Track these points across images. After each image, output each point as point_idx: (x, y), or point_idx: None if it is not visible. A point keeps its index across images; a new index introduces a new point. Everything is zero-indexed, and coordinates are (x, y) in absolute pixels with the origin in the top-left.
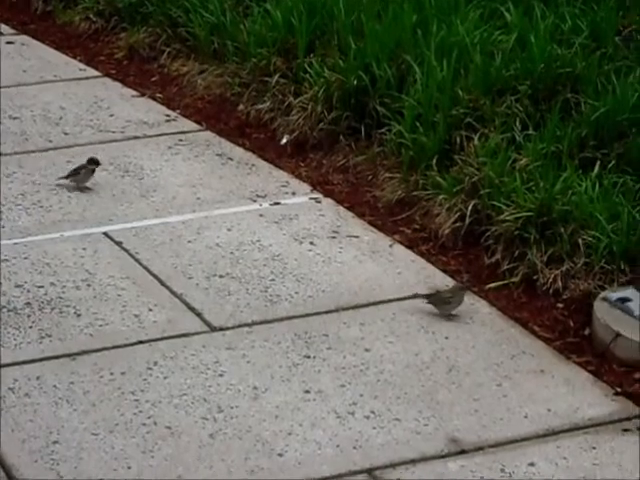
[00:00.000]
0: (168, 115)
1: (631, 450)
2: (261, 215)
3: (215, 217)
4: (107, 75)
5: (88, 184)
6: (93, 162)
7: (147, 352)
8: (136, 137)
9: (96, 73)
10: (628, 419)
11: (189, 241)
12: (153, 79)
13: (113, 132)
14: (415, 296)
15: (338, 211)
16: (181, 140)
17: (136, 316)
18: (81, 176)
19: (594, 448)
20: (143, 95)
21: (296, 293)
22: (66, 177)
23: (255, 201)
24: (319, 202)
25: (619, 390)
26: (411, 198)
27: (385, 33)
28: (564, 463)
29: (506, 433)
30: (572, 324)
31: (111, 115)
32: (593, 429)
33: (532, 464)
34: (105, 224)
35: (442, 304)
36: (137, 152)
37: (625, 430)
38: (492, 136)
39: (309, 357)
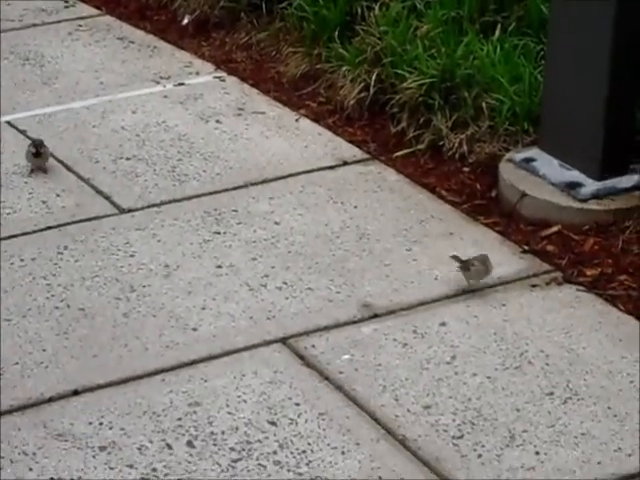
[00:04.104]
0: (66, 1)
1: (539, 305)
2: (165, 96)
3: (119, 101)
4: None
5: None
6: None
7: (57, 237)
8: (35, 25)
9: None
10: (536, 275)
11: (94, 126)
12: None
13: (12, 21)
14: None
15: (243, 89)
16: (81, 26)
17: (44, 202)
18: None
19: (504, 305)
20: None
21: (204, 171)
22: None
23: (159, 83)
24: (223, 81)
25: (526, 248)
26: (315, 72)
27: None
28: (475, 321)
29: (417, 295)
30: (479, 187)
31: (8, 4)
32: (502, 287)
33: (443, 324)
34: (8, 113)
35: (465, 271)
36: (37, 40)
37: (533, 286)
38: (393, 5)
39: (219, 233)
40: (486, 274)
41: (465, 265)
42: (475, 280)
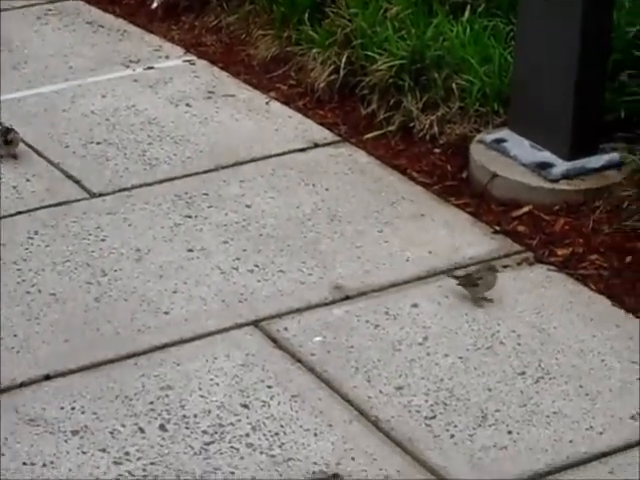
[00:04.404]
0: None
1: (510, 285)
2: (135, 80)
3: (89, 85)
4: None
5: None
6: None
7: (27, 222)
8: (3, 9)
9: None
10: (507, 256)
11: (64, 110)
12: None
13: None
14: (448, 275)
15: (213, 72)
16: (50, 10)
17: (14, 187)
18: None
19: (475, 286)
20: None
21: (174, 155)
22: None
23: (128, 67)
24: (193, 64)
25: (498, 229)
26: (285, 54)
27: None
28: (446, 301)
29: (389, 277)
30: (450, 168)
31: None
32: (474, 267)
33: (415, 305)
34: None
35: (471, 286)
36: (5, 24)
37: (505, 266)
38: None
39: (190, 217)
40: (494, 284)
41: (468, 281)
42: (482, 294)
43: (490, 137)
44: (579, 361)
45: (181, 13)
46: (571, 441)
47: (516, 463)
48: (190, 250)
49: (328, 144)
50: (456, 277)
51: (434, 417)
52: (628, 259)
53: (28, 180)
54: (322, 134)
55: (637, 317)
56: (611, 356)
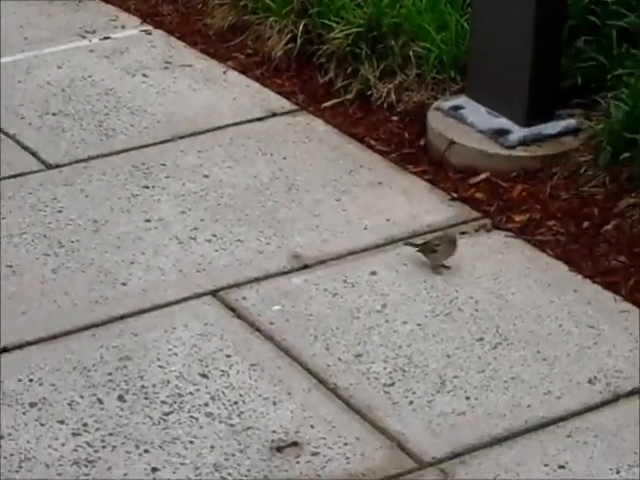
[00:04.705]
0: None
1: (468, 252)
2: (91, 51)
3: (45, 56)
4: None
5: None
6: None
7: None
8: None
9: None
10: (465, 222)
11: (19, 81)
12: None
13: None
14: (406, 244)
15: (169, 42)
16: None
17: None
18: None
19: (433, 252)
20: None
21: (131, 125)
22: None
23: (85, 37)
24: (150, 34)
25: (455, 196)
26: (242, 23)
27: None
28: (404, 269)
29: (347, 245)
30: (407, 136)
31: None
32: (432, 235)
33: (374, 272)
34: None
35: (429, 253)
36: None
37: (462, 233)
38: None
39: (148, 187)
40: (450, 255)
41: (427, 247)
42: (441, 261)
43: (447, 104)
44: (537, 326)
45: None
46: (529, 406)
47: (474, 428)
48: (148, 221)
49: (286, 113)
50: (414, 245)
51: (393, 384)
52: (585, 224)
53: None
54: (280, 103)
55: (594, 282)
56: (569, 321)
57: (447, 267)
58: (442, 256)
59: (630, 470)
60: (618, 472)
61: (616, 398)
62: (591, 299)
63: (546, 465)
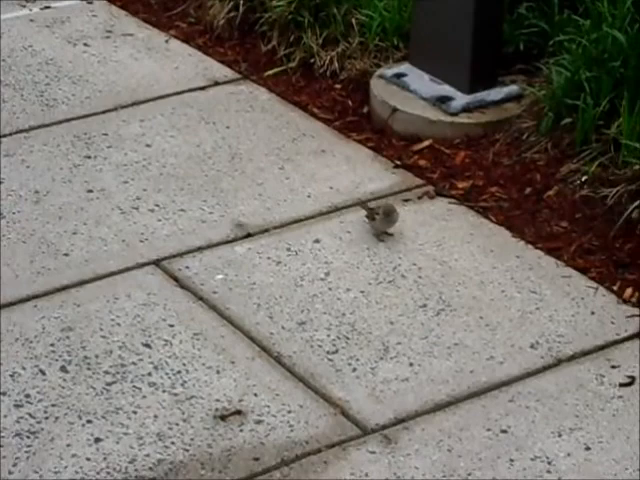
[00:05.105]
0: None
1: (412, 218)
2: (32, 20)
3: None
4: None
5: None
6: None
7: None
8: None
9: None
10: (408, 190)
11: None
12: None
13: None
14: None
15: (111, 11)
16: None
17: None
18: None
19: (374, 219)
20: None
21: (73, 95)
22: None
23: (25, 7)
24: (90, 3)
25: (399, 163)
26: None
27: None
28: (347, 236)
29: (290, 214)
30: (351, 103)
31: None
32: (375, 202)
33: (317, 240)
34: None
35: (372, 220)
36: None
37: (406, 200)
38: None
39: (90, 157)
40: (390, 225)
41: (370, 214)
42: (381, 230)
43: (390, 72)
44: (479, 292)
45: None
46: (472, 371)
47: (418, 394)
48: (90, 191)
49: (228, 82)
50: (368, 208)
51: (336, 352)
52: (527, 190)
53: None
54: (222, 72)
55: (537, 248)
56: (511, 287)
57: (390, 234)
58: (384, 223)
59: (571, 434)
60: (560, 435)
61: (557, 363)
62: (533, 265)
63: (489, 430)
